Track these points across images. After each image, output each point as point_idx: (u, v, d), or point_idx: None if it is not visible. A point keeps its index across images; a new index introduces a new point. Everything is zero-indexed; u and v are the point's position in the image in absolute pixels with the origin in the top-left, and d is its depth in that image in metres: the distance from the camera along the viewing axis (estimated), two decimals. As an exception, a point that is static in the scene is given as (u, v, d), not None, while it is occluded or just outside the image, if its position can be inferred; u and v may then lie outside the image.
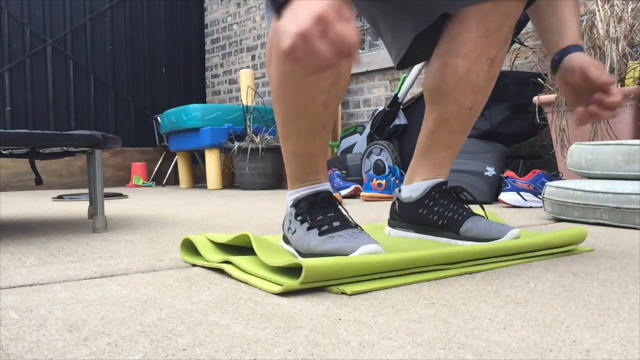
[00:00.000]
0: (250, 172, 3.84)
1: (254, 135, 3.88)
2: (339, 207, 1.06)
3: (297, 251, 1.04)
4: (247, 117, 4.00)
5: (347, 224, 1.01)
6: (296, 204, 1.08)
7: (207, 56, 5.50)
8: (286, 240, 1.13)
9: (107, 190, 4.03)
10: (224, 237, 1.08)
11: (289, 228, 1.08)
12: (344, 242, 0.95)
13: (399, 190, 1.30)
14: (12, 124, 4.55)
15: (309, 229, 1.02)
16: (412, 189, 1.26)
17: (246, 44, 4.94)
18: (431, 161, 1.25)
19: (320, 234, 1.00)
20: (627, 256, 1.10)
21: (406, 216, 1.28)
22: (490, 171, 2.42)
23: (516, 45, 2.89)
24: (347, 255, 0.91)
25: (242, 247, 1.08)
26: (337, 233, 0.98)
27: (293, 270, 0.89)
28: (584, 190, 1.64)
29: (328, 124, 1.08)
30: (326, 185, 1.10)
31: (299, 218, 1.06)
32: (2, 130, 1.40)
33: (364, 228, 1.20)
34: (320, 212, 1.04)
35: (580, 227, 1.13)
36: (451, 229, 1.18)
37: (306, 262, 0.80)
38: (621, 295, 0.79)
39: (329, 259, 0.83)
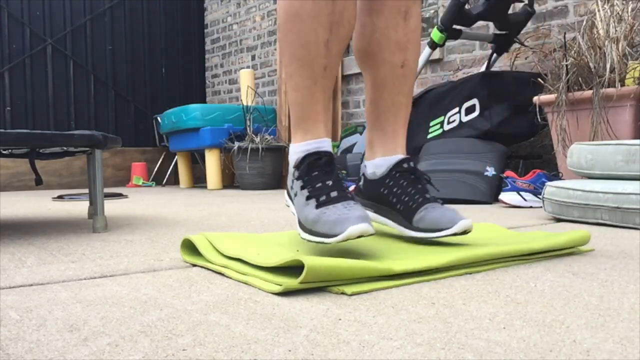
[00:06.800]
0: (250, 172, 3.84)
1: (254, 135, 3.88)
2: (337, 172, 1.09)
3: (297, 217, 1.09)
4: (247, 117, 4.00)
5: (343, 194, 1.04)
6: (298, 165, 1.11)
7: (207, 56, 5.50)
8: (290, 196, 1.16)
9: (107, 190, 4.03)
10: (223, 241, 1.08)
11: (292, 187, 1.12)
12: (335, 218, 0.97)
13: (365, 166, 1.29)
14: (12, 124, 4.55)
15: (308, 198, 1.06)
16: (376, 165, 1.25)
17: (246, 44, 4.94)
18: (384, 132, 1.25)
19: (318, 205, 1.03)
20: (627, 256, 1.10)
21: (369, 194, 1.27)
22: (490, 171, 2.42)
23: (516, 45, 2.89)
24: (334, 236, 0.95)
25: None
26: (332, 205, 1.01)
27: (293, 270, 0.89)
28: (584, 190, 1.64)
29: (329, 67, 1.10)
30: (326, 142, 1.12)
31: (299, 182, 1.09)
32: (2, 130, 1.40)
33: None
34: (319, 179, 1.07)
35: (583, 230, 1.13)
36: (406, 216, 1.17)
37: (309, 261, 0.80)
38: (621, 295, 0.79)
39: (331, 261, 0.83)
